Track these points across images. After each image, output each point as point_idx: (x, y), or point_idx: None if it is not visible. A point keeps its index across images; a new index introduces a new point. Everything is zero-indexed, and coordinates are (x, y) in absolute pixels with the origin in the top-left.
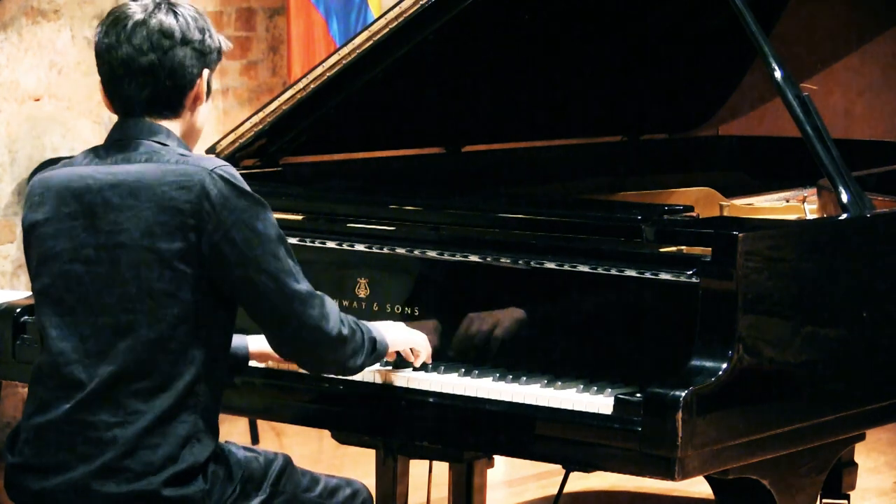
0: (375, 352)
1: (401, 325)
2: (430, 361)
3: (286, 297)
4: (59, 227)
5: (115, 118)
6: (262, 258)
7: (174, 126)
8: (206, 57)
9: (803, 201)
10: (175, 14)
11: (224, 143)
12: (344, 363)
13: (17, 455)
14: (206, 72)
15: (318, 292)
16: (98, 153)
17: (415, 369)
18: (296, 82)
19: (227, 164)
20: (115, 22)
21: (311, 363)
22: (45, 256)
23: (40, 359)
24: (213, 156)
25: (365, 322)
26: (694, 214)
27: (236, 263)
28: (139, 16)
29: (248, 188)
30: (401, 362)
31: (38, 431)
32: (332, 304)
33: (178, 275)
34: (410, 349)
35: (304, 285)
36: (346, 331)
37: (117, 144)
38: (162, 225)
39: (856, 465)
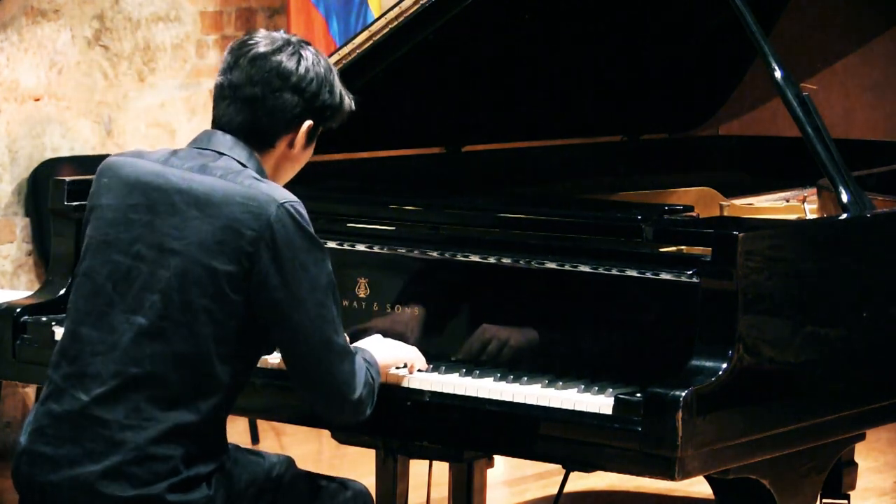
0: (377, 389)
1: (389, 342)
2: (424, 368)
3: (322, 344)
4: (119, 215)
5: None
6: (308, 300)
7: (261, 158)
8: (317, 111)
9: (803, 201)
10: (299, 59)
11: None
12: (356, 419)
13: (29, 441)
14: (308, 122)
15: (353, 349)
16: (178, 154)
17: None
18: None
19: (297, 200)
20: (241, 45)
21: (329, 415)
22: (98, 241)
23: (63, 343)
24: (285, 189)
25: (364, 352)
26: (694, 214)
27: (281, 300)
28: (265, 48)
29: (311, 230)
30: None
31: (50, 419)
32: (360, 364)
33: (223, 297)
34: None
35: (341, 338)
36: (365, 392)
37: (199, 152)
38: (220, 243)
39: (856, 465)
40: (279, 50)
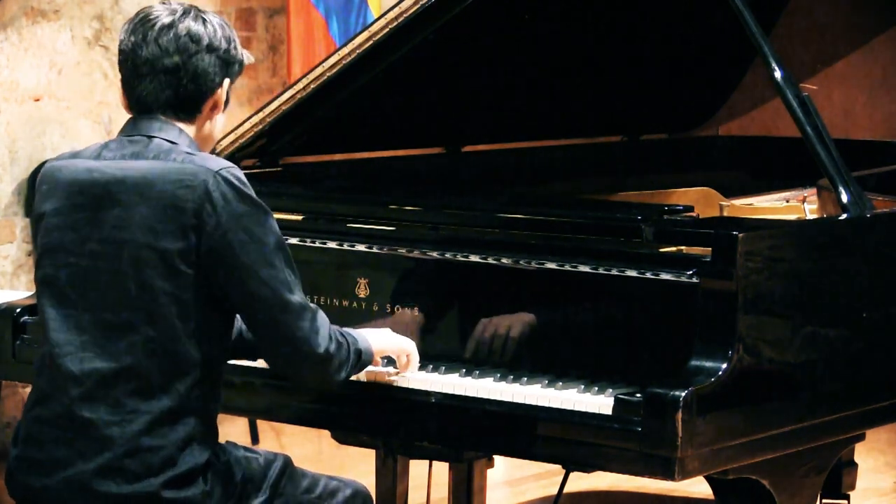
0: (360, 362)
1: (387, 331)
2: (409, 371)
3: (278, 306)
4: (65, 219)
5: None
6: (258, 264)
7: (188, 129)
8: (229, 67)
9: (803, 201)
10: (203, 21)
11: (224, 142)
12: (328, 379)
13: (19, 448)
14: (226, 81)
15: (312, 305)
16: (108, 146)
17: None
18: (296, 82)
19: (232, 165)
20: (143, 21)
21: (297, 376)
22: (50, 247)
23: (42, 349)
24: (219, 157)
25: (351, 331)
26: (694, 214)
27: (231, 267)
28: (168, 19)
29: (251, 192)
30: (388, 365)
31: (39, 424)
32: (323, 319)
33: (178, 274)
34: (399, 356)
35: (297, 297)
36: (332, 347)
37: (129, 140)
38: (164, 223)
39: (856, 465)
40: (183, 16)
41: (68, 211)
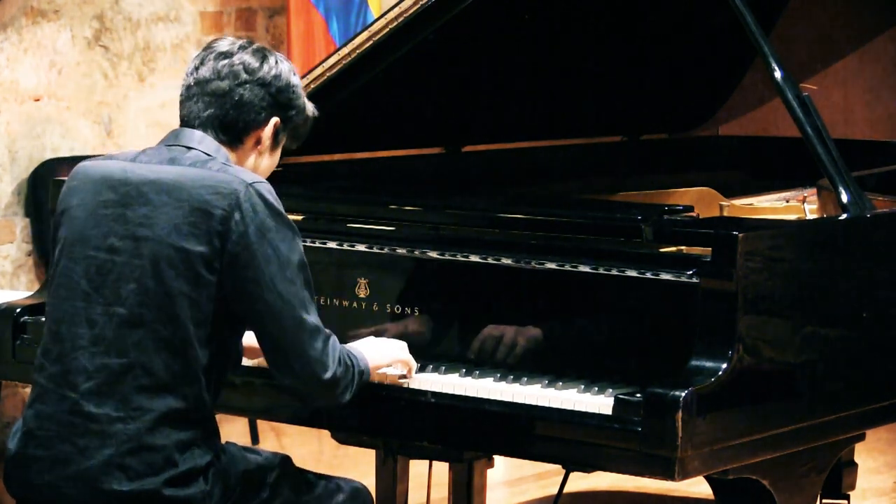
0: (361, 381)
1: (380, 343)
2: (411, 376)
3: (293, 323)
4: (90, 213)
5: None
6: (278, 279)
7: (229, 154)
8: (281, 109)
9: (803, 201)
10: (264, 58)
11: None
12: (333, 400)
13: (19, 446)
14: (275, 120)
15: (326, 330)
16: (146, 152)
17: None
18: None
19: (266, 182)
20: (206, 48)
21: (304, 394)
22: (71, 240)
23: (45, 345)
24: (255, 174)
25: (352, 349)
26: (694, 214)
27: (251, 278)
28: (227, 48)
29: (282, 209)
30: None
31: (40, 421)
32: (334, 343)
33: (198, 278)
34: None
35: (312, 318)
36: (340, 371)
37: (167, 148)
38: (191, 225)
39: (856, 465)
40: (243, 48)
41: (95, 206)
